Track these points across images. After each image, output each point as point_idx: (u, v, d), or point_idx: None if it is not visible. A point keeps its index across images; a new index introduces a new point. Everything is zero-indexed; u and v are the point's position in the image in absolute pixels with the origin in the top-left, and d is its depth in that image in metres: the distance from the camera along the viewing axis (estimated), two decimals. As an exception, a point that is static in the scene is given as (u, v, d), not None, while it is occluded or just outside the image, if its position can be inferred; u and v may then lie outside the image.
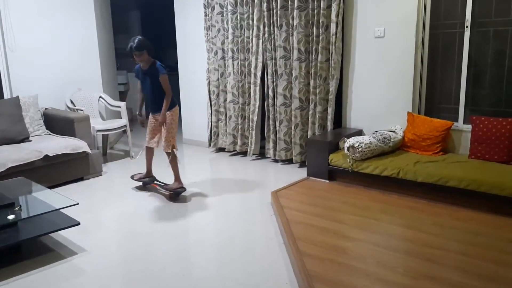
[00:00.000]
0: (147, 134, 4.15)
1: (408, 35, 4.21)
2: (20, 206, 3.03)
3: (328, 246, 2.84)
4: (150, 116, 4.10)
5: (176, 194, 4.05)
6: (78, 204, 3.11)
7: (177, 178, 4.07)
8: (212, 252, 3.00)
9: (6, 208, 2.97)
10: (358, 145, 3.93)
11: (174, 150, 4.01)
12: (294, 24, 4.69)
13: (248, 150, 5.39)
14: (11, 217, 2.86)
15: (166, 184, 4.17)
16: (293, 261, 2.73)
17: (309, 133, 4.83)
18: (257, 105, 5.20)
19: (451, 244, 2.86)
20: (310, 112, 4.80)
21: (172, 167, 4.06)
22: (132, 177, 4.41)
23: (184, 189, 4.07)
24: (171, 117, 3.94)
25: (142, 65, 3.90)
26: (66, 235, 3.27)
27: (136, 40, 3.73)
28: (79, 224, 3.07)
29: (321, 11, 4.49)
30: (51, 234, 3.23)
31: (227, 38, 5.37)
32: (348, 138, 4.14)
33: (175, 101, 4.00)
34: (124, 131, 5.53)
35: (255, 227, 3.38)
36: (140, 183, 4.37)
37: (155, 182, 4.33)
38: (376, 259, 2.66)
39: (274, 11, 4.85)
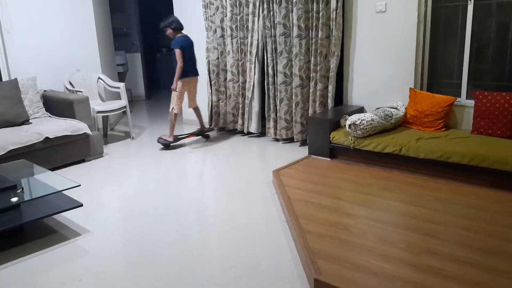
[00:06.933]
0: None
1: (410, 9, 4.13)
2: (22, 189, 3.04)
3: (329, 223, 2.86)
4: (192, 78, 5.04)
5: (162, 144, 5.06)
6: (80, 185, 3.12)
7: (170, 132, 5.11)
8: (214, 231, 3.02)
9: (8, 190, 2.99)
10: (360, 122, 3.91)
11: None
12: (294, 0, 4.60)
13: (249, 129, 5.36)
14: (13, 199, 2.87)
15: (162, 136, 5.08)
16: (296, 239, 2.74)
17: (310, 111, 4.80)
18: (257, 84, 5.15)
19: (452, 219, 2.86)
20: (311, 90, 4.75)
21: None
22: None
23: (168, 145, 5.00)
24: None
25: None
26: (69, 217, 3.29)
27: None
28: (81, 205, 3.08)
29: (321, -14, 4.40)
30: (54, 216, 3.26)
31: (226, 16, 5.28)
32: (349, 116, 4.11)
33: None
34: (124, 112, 5.50)
35: (257, 206, 3.39)
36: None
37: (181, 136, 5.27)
38: (377, 235, 2.68)
39: (273, -13, 4.76)
